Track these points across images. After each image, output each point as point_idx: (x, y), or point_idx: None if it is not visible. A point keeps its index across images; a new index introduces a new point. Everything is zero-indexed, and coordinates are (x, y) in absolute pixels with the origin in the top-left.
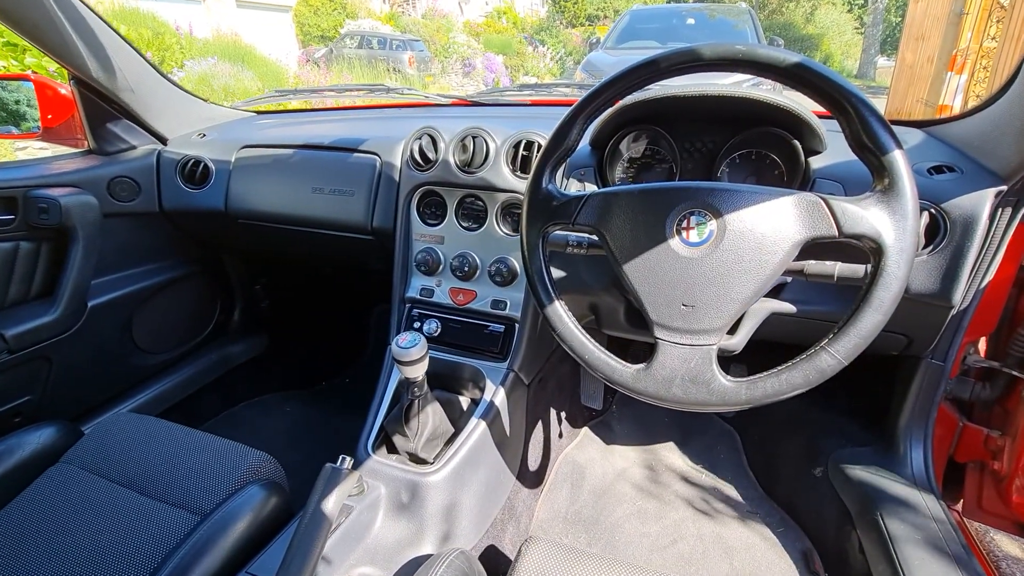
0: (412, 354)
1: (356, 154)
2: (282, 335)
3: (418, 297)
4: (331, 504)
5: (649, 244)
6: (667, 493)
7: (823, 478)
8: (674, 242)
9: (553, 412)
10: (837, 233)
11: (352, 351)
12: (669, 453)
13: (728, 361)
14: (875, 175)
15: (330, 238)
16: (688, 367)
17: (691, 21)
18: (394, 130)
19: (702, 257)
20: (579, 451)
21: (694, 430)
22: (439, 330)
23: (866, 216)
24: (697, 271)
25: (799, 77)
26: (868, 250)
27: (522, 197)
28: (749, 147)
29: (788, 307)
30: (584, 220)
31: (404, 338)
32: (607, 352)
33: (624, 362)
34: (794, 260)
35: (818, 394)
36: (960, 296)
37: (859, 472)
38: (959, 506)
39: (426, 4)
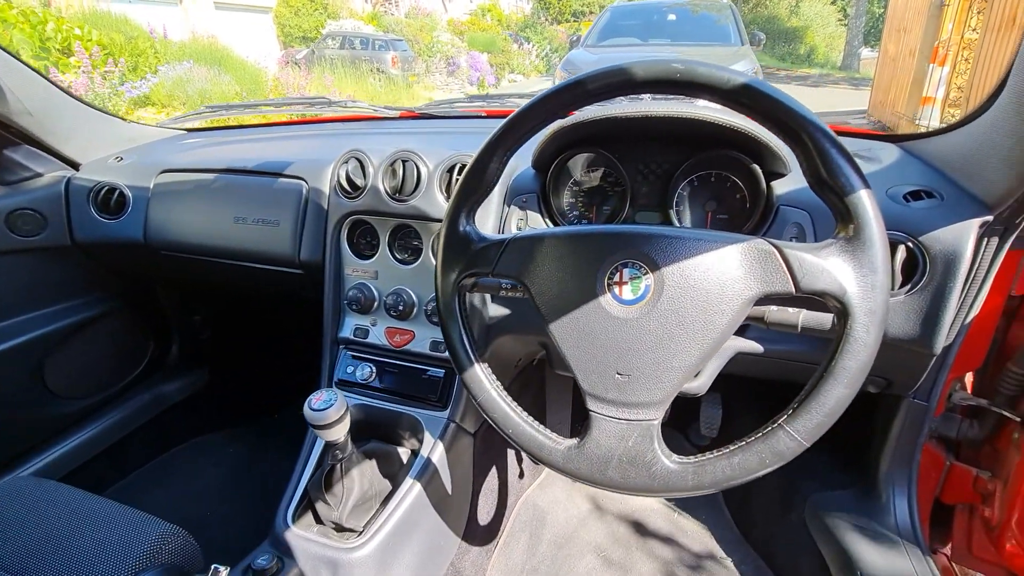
0: (328, 416)
1: (282, 179)
2: (225, 369)
3: (352, 338)
4: None
5: (578, 300)
6: (636, 540)
7: (800, 524)
8: (605, 300)
9: (511, 453)
10: (794, 289)
11: (303, 381)
12: None
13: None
14: (838, 219)
15: (258, 272)
16: (626, 446)
17: (672, 17)
18: (326, 151)
19: (637, 318)
20: (541, 492)
21: None
22: (373, 375)
23: (827, 269)
24: (632, 334)
25: (746, 101)
26: (832, 308)
27: None
28: (708, 168)
29: (755, 347)
30: (505, 269)
31: (319, 397)
32: (536, 425)
33: (555, 435)
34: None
35: None
36: (942, 342)
37: (839, 520)
38: (947, 549)
39: (409, 3)
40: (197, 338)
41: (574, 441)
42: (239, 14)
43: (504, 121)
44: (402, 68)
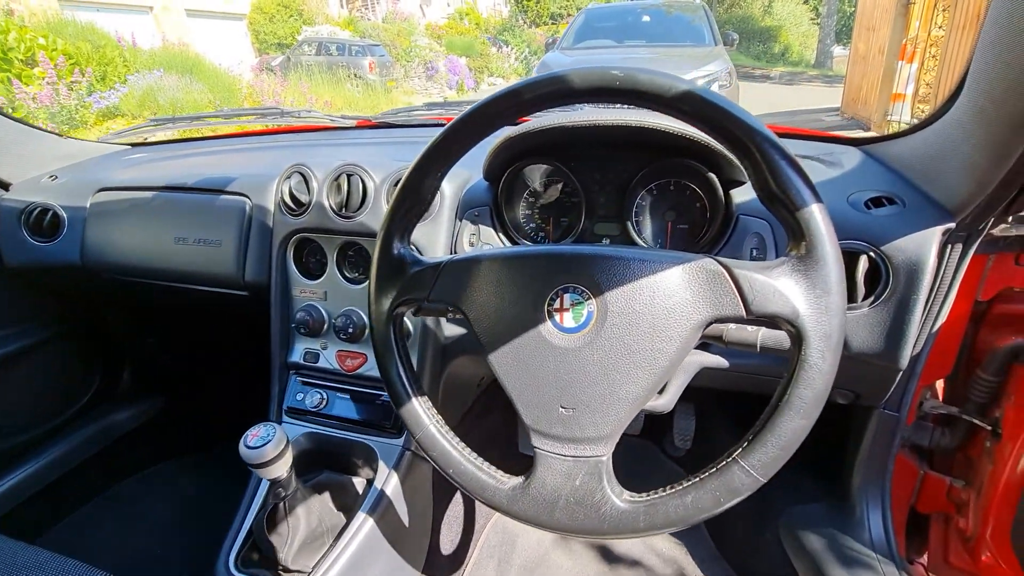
0: (266, 453)
1: (224, 196)
2: (182, 393)
3: (301, 362)
4: None
5: (517, 329)
6: (610, 559)
7: (775, 540)
8: (546, 328)
9: None
10: (744, 312)
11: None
12: None
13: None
14: (789, 235)
15: (203, 294)
16: (573, 485)
17: (647, 19)
18: (272, 165)
19: (580, 347)
20: None
21: (641, 473)
22: (324, 402)
23: (779, 290)
24: (575, 365)
25: (689, 110)
26: (785, 332)
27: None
28: (666, 177)
29: (720, 361)
30: (441, 295)
31: (255, 433)
32: (479, 463)
33: (500, 474)
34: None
35: None
36: (908, 355)
37: (813, 537)
38: (924, 559)
39: (386, 7)
40: (152, 362)
41: (519, 480)
42: (212, 21)
43: (436, 135)
44: (380, 73)
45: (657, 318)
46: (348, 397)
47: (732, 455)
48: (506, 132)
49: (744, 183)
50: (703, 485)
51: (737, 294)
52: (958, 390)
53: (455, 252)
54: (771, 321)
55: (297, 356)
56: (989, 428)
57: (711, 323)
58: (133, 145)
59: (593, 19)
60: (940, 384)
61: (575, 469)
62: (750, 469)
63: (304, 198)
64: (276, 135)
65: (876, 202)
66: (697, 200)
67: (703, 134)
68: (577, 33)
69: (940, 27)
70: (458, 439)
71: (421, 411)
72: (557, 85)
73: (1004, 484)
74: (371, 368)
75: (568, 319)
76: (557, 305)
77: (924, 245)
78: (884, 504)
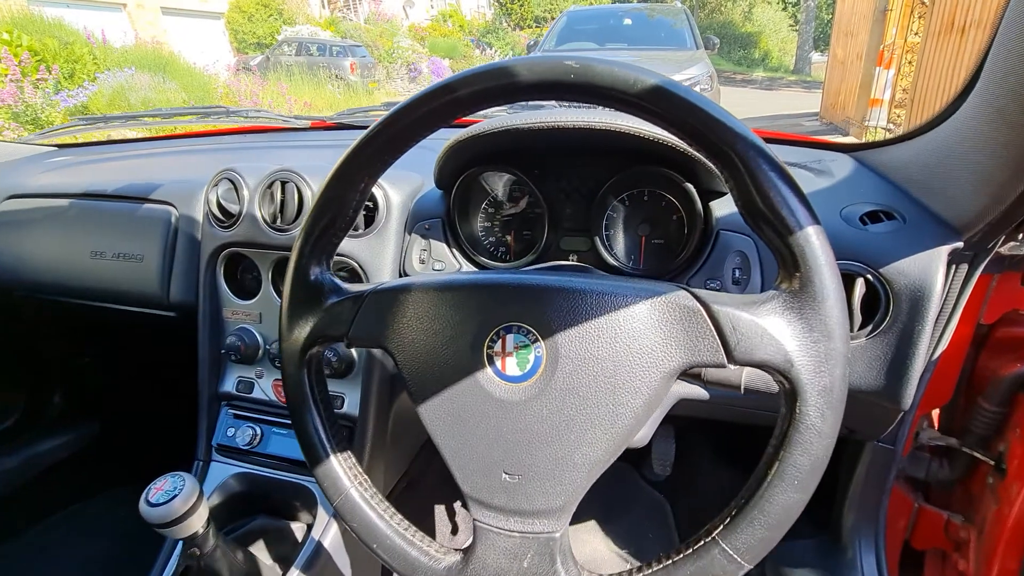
0: (173, 511)
1: (148, 205)
2: (120, 418)
3: (234, 392)
4: None
5: (451, 375)
6: None
7: None
8: (485, 376)
9: (439, 509)
10: (726, 359)
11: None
12: (589, 536)
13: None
14: (780, 263)
15: (127, 314)
16: (519, 568)
17: (628, 21)
18: (204, 170)
19: (526, 400)
20: None
21: (616, 506)
22: (258, 438)
23: (768, 333)
24: (520, 422)
25: (657, 110)
26: (776, 383)
27: (352, 262)
28: (639, 186)
29: (699, 392)
30: (363, 332)
31: (159, 487)
32: (410, 535)
33: (435, 548)
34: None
35: None
36: (912, 394)
37: None
38: None
39: (368, 8)
40: (85, 384)
41: (457, 559)
42: (189, 20)
43: (356, 140)
44: (362, 75)
45: (620, 365)
46: (286, 432)
47: (712, 534)
48: (454, 135)
49: (725, 194)
50: (676, 570)
51: (717, 337)
52: (957, 419)
53: (404, 271)
54: (759, 370)
55: (228, 386)
56: (992, 463)
57: (685, 371)
58: (60, 146)
59: (575, 22)
60: (936, 412)
61: (522, 548)
62: (733, 553)
63: (233, 208)
64: (220, 136)
65: (873, 217)
66: (673, 212)
67: (670, 140)
68: (559, 35)
69: (916, 33)
70: (387, 504)
71: (341, 471)
72: (498, 79)
73: (1011, 526)
74: None
75: (511, 366)
76: (498, 348)
77: (929, 267)
78: (878, 544)
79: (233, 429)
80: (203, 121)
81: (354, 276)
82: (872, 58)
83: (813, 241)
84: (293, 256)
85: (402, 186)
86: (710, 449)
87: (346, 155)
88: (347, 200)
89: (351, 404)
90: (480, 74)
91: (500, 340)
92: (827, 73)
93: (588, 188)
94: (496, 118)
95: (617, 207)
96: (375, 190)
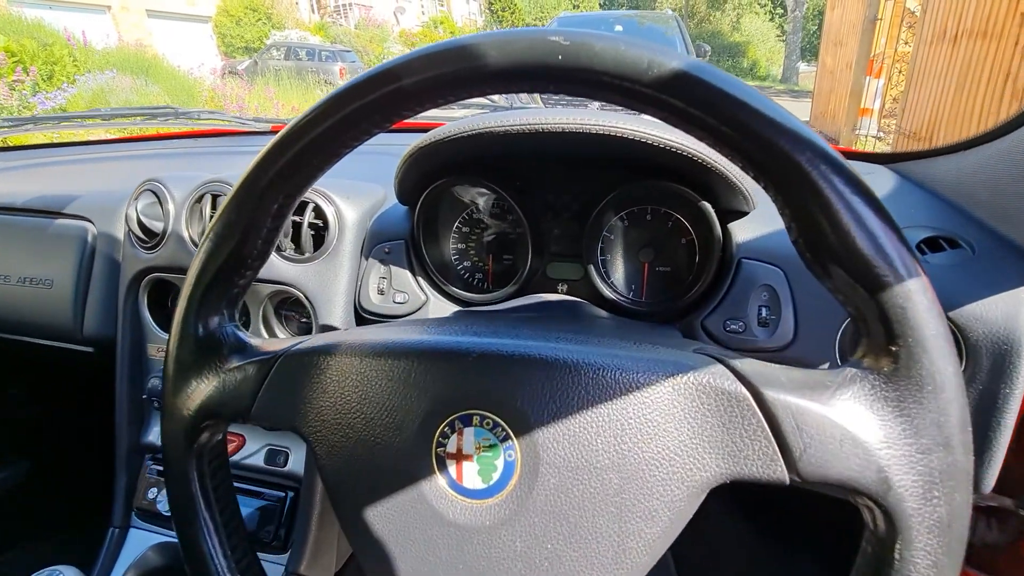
0: None
1: (61, 220)
2: (52, 459)
3: (159, 445)
4: None
5: (388, 483)
6: None
7: None
8: (433, 487)
9: None
10: (787, 474)
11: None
12: None
13: None
14: (862, 329)
15: (38, 348)
16: None
17: (619, 28)
18: (131, 179)
19: (493, 526)
20: None
21: None
22: None
23: (851, 436)
24: (484, 557)
25: (683, 106)
26: (863, 513)
27: (297, 292)
28: (641, 203)
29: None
30: (269, 410)
31: None
32: None
33: None
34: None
35: (778, 532)
36: (993, 478)
37: None
38: None
39: (359, 14)
40: (14, 419)
41: None
42: (175, 23)
43: (264, 147)
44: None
45: (629, 478)
46: None
47: None
48: (417, 139)
49: (745, 213)
50: None
51: (772, 439)
52: (1014, 478)
53: (359, 304)
54: (837, 495)
55: (152, 436)
56: None
57: (725, 484)
58: None
59: (565, 27)
60: None
61: None
62: None
63: (156, 226)
64: (168, 141)
65: (931, 244)
66: (682, 235)
67: (692, 145)
68: None
69: (906, 43)
70: None
71: None
72: (457, 63)
73: None
74: (249, 454)
75: (471, 474)
76: (452, 446)
77: (1018, 312)
78: None
79: (157, 489)
80: (149, 124)
81: (299, 309)
82: (862, 67)
83: (918, 300)
84: (180, 304)
85: (358, 200)
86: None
87: (251, 168)
88: (254, 227)
89: (296, 461)
90: (433, 56)
91: (456, 435)
92: (816, 82)
93: (580, 205)
94: (468, 118)
95: (615, 227)
96: (324, 204)
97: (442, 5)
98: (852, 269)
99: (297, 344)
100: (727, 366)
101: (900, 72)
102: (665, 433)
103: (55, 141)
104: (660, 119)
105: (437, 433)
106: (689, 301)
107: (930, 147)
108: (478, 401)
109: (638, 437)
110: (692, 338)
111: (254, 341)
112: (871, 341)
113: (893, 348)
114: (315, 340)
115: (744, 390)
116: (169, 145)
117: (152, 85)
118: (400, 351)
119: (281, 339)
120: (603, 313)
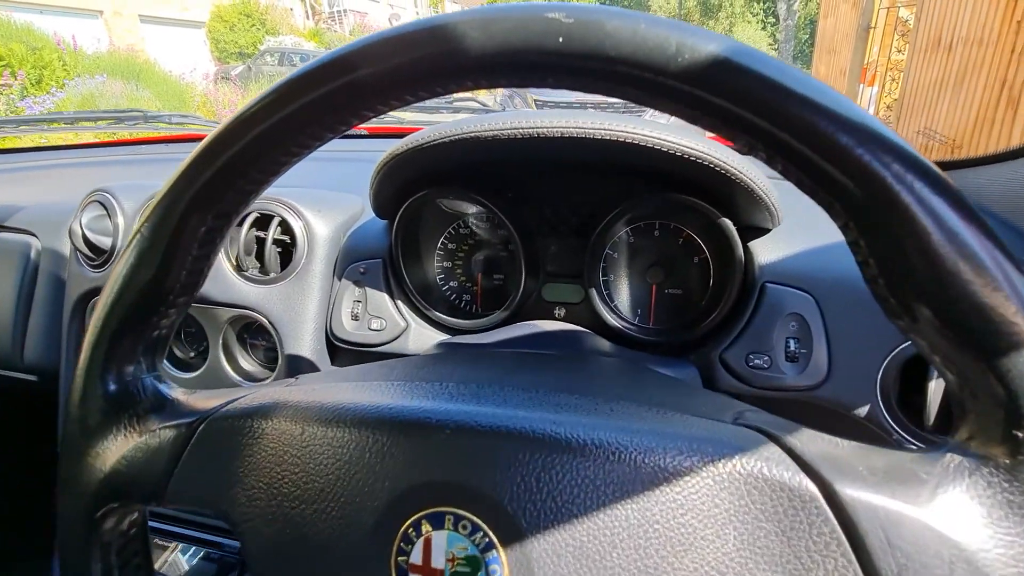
0: None
1: (2, 233)
2: (11, 492)
3: None
4: None
5: None
6: None
7: None
8: None
9: None
10: None
11: None
12: None
13: None
14: (968, 403)
15: None
16: None
17: None
18: (82, 188)
19: None
20: None
21: None
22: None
23: (962, 552)
24: None
25: (725, 104)
26: None
27: (260, 317)
28: (649, 217)
29: None
30: (187, 487)
31: None
32: None
33: None
34: None
35: None
36: None
37: None
38: None
39: (354, 20)
40: None
41: None
42: (168, 28)
43: (187, 157)
44: None
45: None
46: (187, 550)
47: None
48: (393, 145)
49: (768, 231)
50: None
51: (854, 558)
52: None
53: (331, 331)
54: None
55: None
56: None
57: None
58: None
59: None
60: None
61: None
62: None
63: (103, 241)
64: (135, 147)
65: None
66: (696, 253)
67: (713, 152)
68: None
69: (900, 51)
70: None
71: None
72: (427, 48)
73: None
74: None
75: None
76: (417, 557)
77: None
78: None
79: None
80: (115, 128)
81: (265, 335)
82: (855, 75)
83: None
84: (83, 354)
85: (331, 213)
86: None
87: (168, 185)
88: (175, 257)
89: None
90: (398, 39)
91: (422, 541)
92: None
93: (580, 219)
94: (452, 122)
95: (619, 244)
96: (291, 218)
97: (437, 11)
98: (958, 325)
99: (229, 403)
100: (783, 447)
101: (894, 80)
102: (703, 543)
103: (5, 147)
104: (687, 120)
105: (398, 537)
106: (706, 330)
107: (929, 155)
108: (453, 495)
109: (668, 549)
110: (708, 375)
111: (179, 396)
112: (981, 419)
113: (1017, 433)
114: (251, 398)
115: (811, 485)
116: (138, 151)
117: (143, 90)
118: (352, 418)
119: (214, 393)
120: (607, 345)
